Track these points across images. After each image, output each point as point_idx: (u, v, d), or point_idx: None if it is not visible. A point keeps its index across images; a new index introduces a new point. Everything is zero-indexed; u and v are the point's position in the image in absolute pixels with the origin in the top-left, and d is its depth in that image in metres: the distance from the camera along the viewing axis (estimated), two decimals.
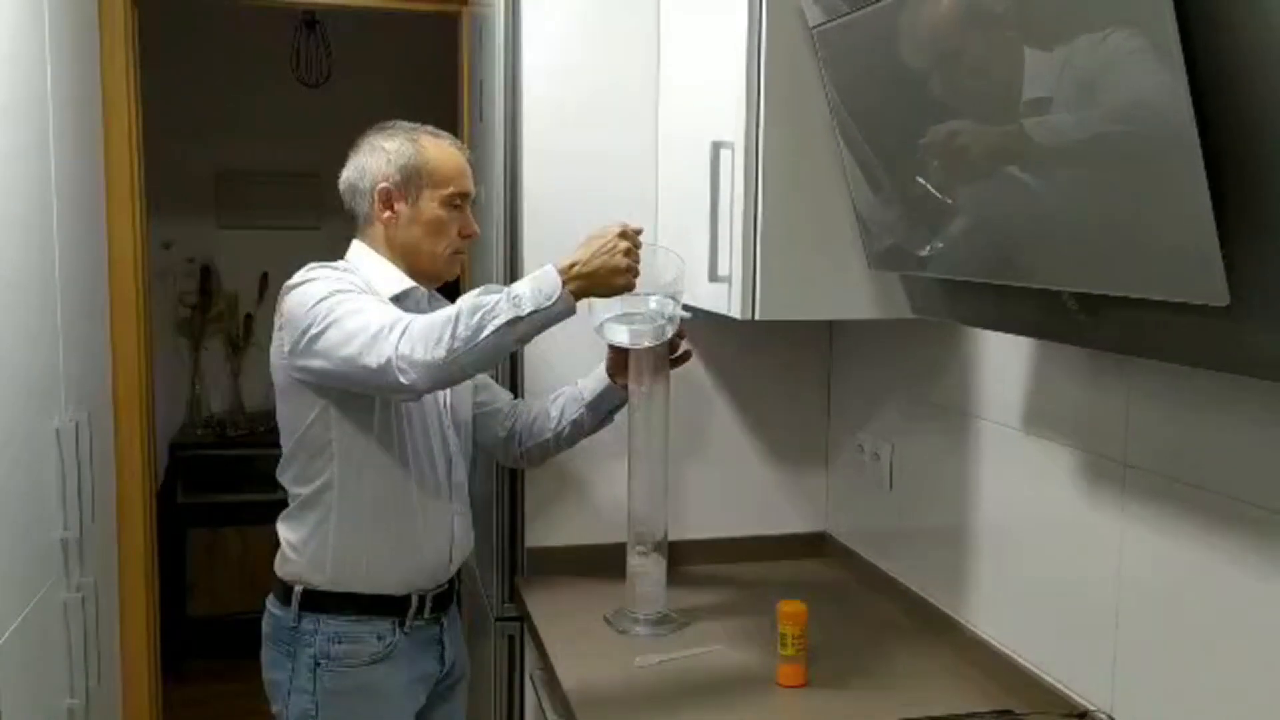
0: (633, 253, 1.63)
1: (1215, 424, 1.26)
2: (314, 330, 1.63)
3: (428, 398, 1.79)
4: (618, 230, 1.63)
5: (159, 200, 3.12)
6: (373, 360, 1.57)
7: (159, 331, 4.01)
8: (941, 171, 1.27)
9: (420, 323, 1.58)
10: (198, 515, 3.90)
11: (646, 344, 1.81)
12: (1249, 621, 1.21)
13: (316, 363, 1.64)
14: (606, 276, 1.61)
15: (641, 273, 1.66)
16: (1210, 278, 0.90)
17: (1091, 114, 0.98)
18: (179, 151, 3.94)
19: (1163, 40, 0.86)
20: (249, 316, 4.23)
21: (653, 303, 1.77)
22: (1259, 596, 1.20)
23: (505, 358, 2.06)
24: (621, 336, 1.81)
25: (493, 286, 1.62)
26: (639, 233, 1.66)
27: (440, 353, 1.54)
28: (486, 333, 1.55)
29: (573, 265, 1.60)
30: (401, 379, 1.55)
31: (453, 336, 1.54)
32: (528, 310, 1.56)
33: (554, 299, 1.57)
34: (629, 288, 1.64)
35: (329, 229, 3.88)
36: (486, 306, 1.56)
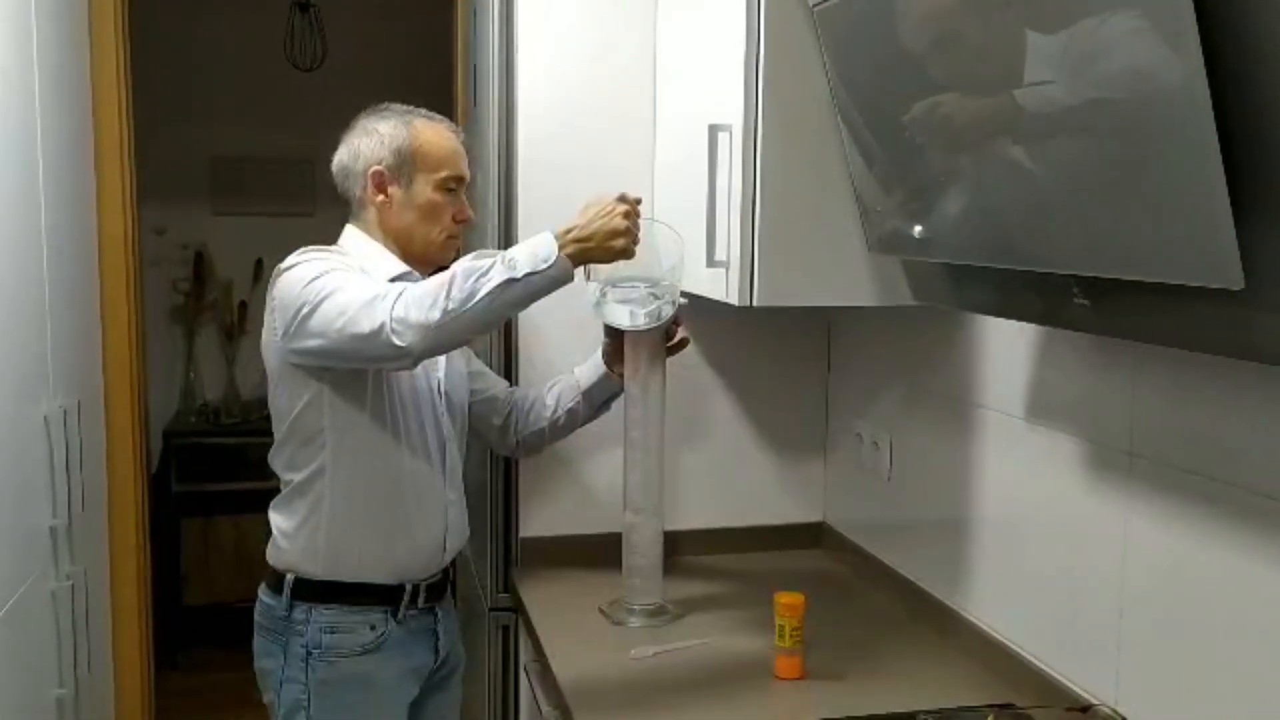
0: (632, 215, 1.61)
1: (1224, 412, 1.24)
2: (306, 310, 1.61)
3: (421, 382, 1.77)
4: (616, 196, 1.61)
5: (152, 186, 3.10)
6: (366, 326, 1.55)
7: (153, 319, 3.99)
8: (942, 152, 1.25)
9: (414, 289, 1.57)
10: (192, 503, 3.88)
11: (644, 324, 1.78)
12: (1257, 614, 1.19)
13: (310, 342, 1.62)
14: (605, 239, 1.58)
15: (639, 245, 1.63)
16: (1224, 260, 0.87)
17: (1097, 84, 0.95)
18: (172, 137, 3.92)
19: (1173, 2, 0.82)
20: (243, 303, 4.21)
21: (651, 282, 1.74)
22: (1268, 589, 1.18)
23: (500, 326, 2.05)
24: (620, 317, 1.78)
25: (488, 251, 1.61)
26: (638, 202, 1.64)
27: (435, 315, 1.53)
28: (481, 295, 1.53)
29: (570, 230, 1.58)
30: (396, 341, 1.54)
31: (447, 298, 1.53)
32: (523, 273, 1.54)
33: (550, 262, 1.55)
34: (628, 253, 1.61)
35: (324, 215, 3.83)
36: (481, 269, 1.55)
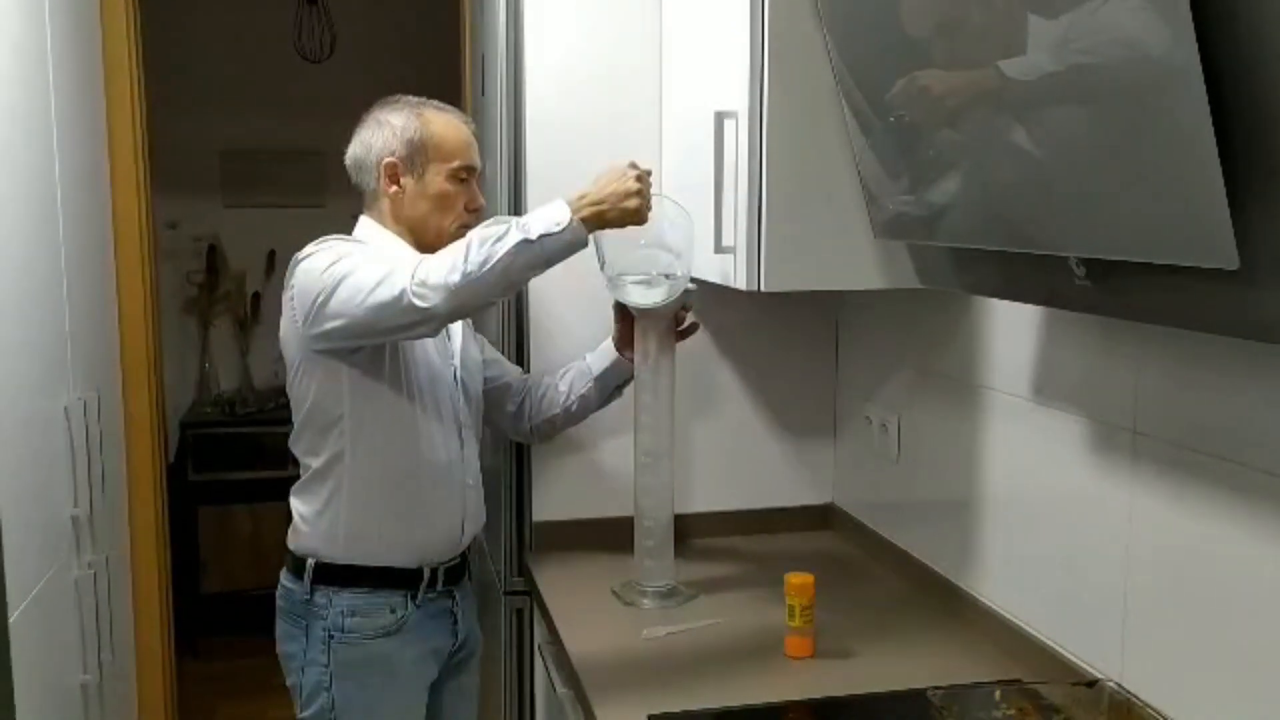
0: (644, 180, 1.63)
1: (1227, 390, 1.24)
2: (323, 295, 1.64)
3: (438, 368, 1.79)
4: (627, 163, 1.64)
5: (163, 180, 3.11)
6: (387, 295, 1.59)
7: (167, 311, 4.01)
8: (942, 133, 1.25)
9: (431, 257, 1.61)
10: (209, 493, 3.92)
11: (660, 301, 1.79)
12: (1260, 590, 1.20)
13: (331, 324, 1.65)
14: (619, 200, 1.61)
15: (650, 220, 1.65)
16: (1219, 241, 0.87)
17: (1085, 54, 0.95)
18: (182, 130, 3.92)
19: None
20: (256, 295, 4.23)
21: (663, 259, 1.76)
22: (1270, 565, 1.19)
23: (513, 309, 2.08)
24: (634, 295, 1.80)
25: (501, 218, 1.63)
26: (648, 174, 1.66)
27: (455, 277, 1.56)
28: (497, 257, 1.56)
29: (584, 196, 1.61)
30: (419, 304, 1.57)
31: (465, 261, 1.56)
32: (537, 234, 1.57)
33: (563, 225, 1.57)
34: (641, 215, 1.63)
35: (334, 206, 3.87)
36: (496, 235, 1.58)
